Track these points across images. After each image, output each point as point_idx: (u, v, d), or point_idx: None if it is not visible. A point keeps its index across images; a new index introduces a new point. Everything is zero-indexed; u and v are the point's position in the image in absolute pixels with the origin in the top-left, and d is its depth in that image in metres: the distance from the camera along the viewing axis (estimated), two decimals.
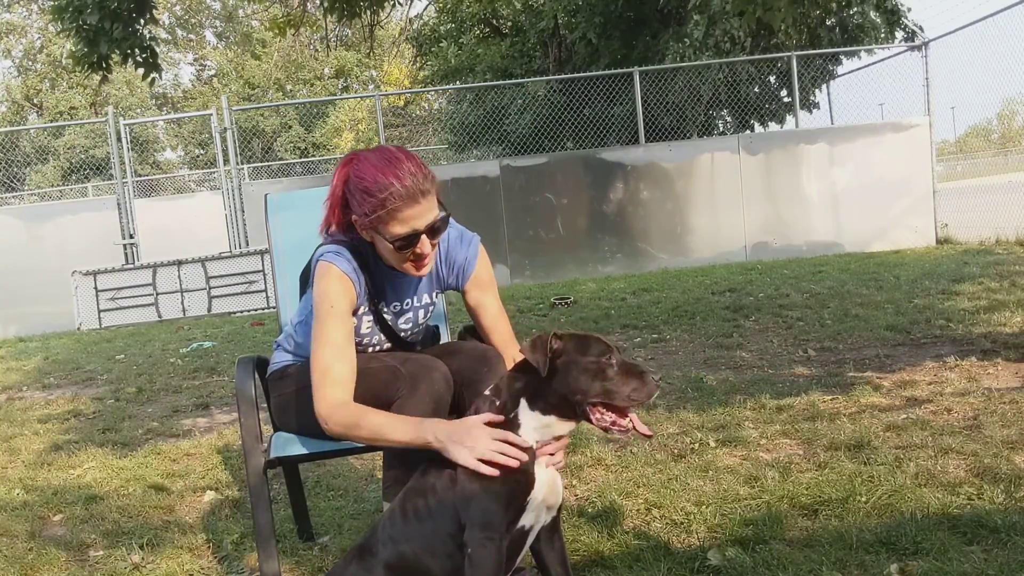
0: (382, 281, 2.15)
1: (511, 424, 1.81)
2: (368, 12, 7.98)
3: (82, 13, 6.22)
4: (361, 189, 1.99)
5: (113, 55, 6.59)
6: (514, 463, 1.75)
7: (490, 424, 1.79)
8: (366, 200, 1.98)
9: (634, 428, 1.80)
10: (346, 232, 2.11)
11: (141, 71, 6.88)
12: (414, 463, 1.90)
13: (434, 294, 2.27)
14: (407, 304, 2.22)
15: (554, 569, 1.91)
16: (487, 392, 1.88)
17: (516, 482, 1.77)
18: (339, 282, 2.04)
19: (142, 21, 6.54)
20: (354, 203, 2.03)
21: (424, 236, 2.00)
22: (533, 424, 1.81)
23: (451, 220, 2.20)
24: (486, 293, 2.22)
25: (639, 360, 1.82)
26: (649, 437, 1.86)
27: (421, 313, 2.26)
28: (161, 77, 7.17)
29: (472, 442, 1.76)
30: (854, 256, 10.39)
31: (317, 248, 2.14)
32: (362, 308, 2.15)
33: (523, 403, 1.81)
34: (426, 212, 1.99)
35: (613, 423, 1.79)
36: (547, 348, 1.77)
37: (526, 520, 1.80)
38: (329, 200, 2.10)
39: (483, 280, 2.22)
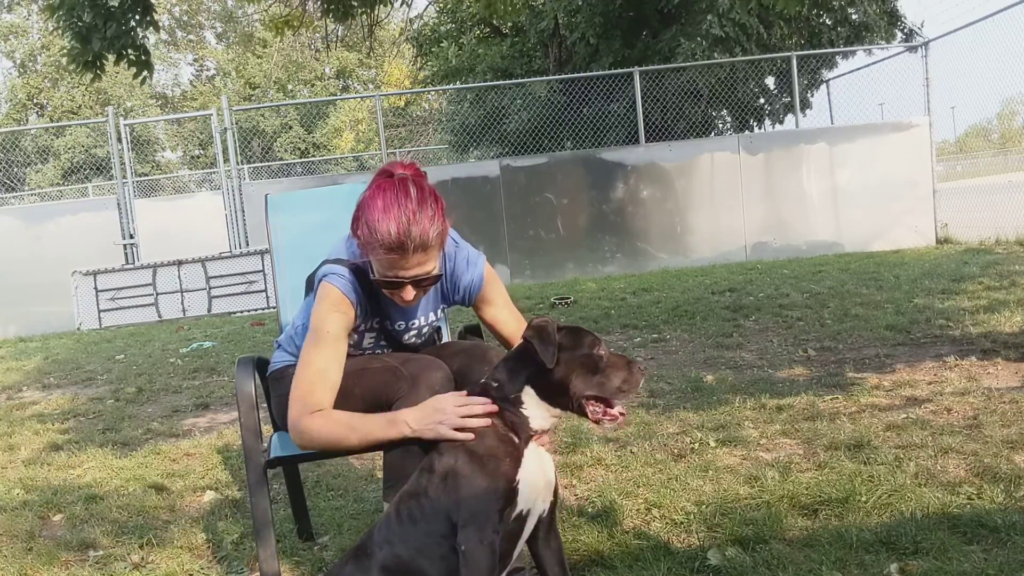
0: (387, 302, 2.15)
1: (514, 405, 1.83)
2: (364, 13, 7.98)
3: (75, 11, 6.22)
4: (365, 217, 1.95)
5: (107, 54, 6.59)
6: (485, 421, 1.80)
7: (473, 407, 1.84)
8: (363, 230, 1.95)
9: (621, 415, 1.85)
10: None
11: (133, 70, 6.87)
12: (413, 463, 1.90)
13: (440, 311, 2.29)
14: (412, 324, 2.24)
15: (551, 569, 1.91)
16: (484, 379, 1.90)
17: (502, 471, 1.78)
18: (338, 305, 2.04)
19: (136, 20, 6.53)
20: (356, 223, 1.99)
21: (408, 285, 1.99)
22: (537, 411, 1.84)
23: (459, 241, 2.21)
24: (498, 307, 2.24)
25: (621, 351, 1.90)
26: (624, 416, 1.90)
27: (426, 330, 2.29)
28: (152, 77, 7.14)
29: (440, 417, 1.82)
30: (854, 256, 10.38)
31: (324, 264, 2.12)
32: (363, 326, 2.16)
33: (528, 389, 1.84)
34: (416, 265, 1.95)
35: (604, 413, 1.84)
36: (554, 339, 1.79)
37: (522, 504, 1.80)
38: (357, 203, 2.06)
39: (492, 297, 2.23)
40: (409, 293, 2.01)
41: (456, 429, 1.81)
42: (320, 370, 1.99)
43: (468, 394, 1.88)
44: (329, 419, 1.95)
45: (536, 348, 1.77)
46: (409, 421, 1.87)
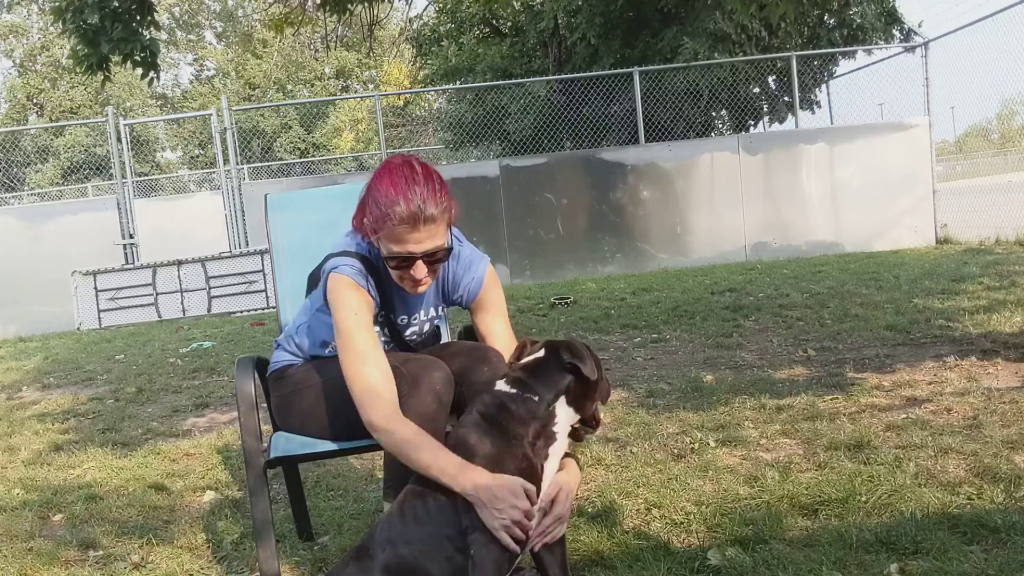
0: (391, 294, 2.16)
1: (547, 418, 1.85)
2: (362, 7, 7.96)
3: (82, 13, 6.21)
4: (372, 198, 2.00)
5: (113, 56, 6.58)
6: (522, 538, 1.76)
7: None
8: (373, 209, 1.99)
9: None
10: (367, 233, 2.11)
11: (139, 71, 6.86)
12: None
13: (440, 308, 2.29)
14: (415, 319, 2.24)
15: (552, 570, 1.91)
16: (506, 387, 1.87)
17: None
18: (355, 292, 2.03)
19: (137, 20, 6.51)
20: (365, 207, 2.03)
21: (419, 261, 2.00)
22: (567, 420, 1.90)
23: (464, 240, 2.21)
24: (493, 315, 2.22)
25: None
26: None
27: (427, 326, 2.29)
28: (160, 78, 7.14)
29: (502, 506, 1.73)
30: (854, 256, 10.39)
31: (328, 258, 2.12)
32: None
33: (563, 400, 1.88)
34: (426, 238, 1.98)
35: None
36: (587, 353, 1.89)
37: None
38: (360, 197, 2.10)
39: (490, 303, 2.21)
40: (420, 270, 2.01)
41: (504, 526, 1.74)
42: (371, 356, 1.97)
43: (499, 402, 1.86)
44: (410, 430, 1.87)
45: (584, 368, 1.84)
46: (479, 488, 1.74)
